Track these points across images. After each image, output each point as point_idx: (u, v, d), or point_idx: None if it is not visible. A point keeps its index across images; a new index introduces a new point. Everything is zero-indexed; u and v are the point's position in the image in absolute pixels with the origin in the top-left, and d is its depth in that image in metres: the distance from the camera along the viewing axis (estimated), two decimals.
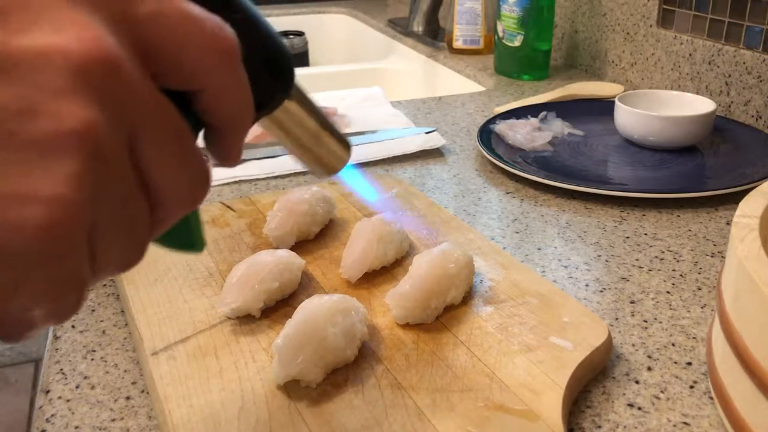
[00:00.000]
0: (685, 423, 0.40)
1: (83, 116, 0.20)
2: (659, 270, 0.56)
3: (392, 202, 0.50)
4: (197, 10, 0.23)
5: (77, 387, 0.43)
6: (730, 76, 0.87)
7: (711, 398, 0.42)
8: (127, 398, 0.42)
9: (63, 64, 0.20)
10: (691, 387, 0.43)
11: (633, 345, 0.46)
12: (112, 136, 0.21)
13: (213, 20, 0.24)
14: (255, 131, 0.84)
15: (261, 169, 0.75)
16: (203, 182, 0.25)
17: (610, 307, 0.51)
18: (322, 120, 0.35)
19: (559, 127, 0.84)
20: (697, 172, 0.73)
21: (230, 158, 0.28)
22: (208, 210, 0.62)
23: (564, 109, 0.89)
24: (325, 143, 0.35)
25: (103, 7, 0.21)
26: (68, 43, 0.20)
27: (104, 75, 0.20)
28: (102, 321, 0.50)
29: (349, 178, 0.43)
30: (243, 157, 0.77)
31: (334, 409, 0.39)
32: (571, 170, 0.73)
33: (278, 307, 0.48)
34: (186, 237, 0.29)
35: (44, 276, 0.20)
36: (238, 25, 0.26)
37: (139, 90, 0.21)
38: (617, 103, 0.79)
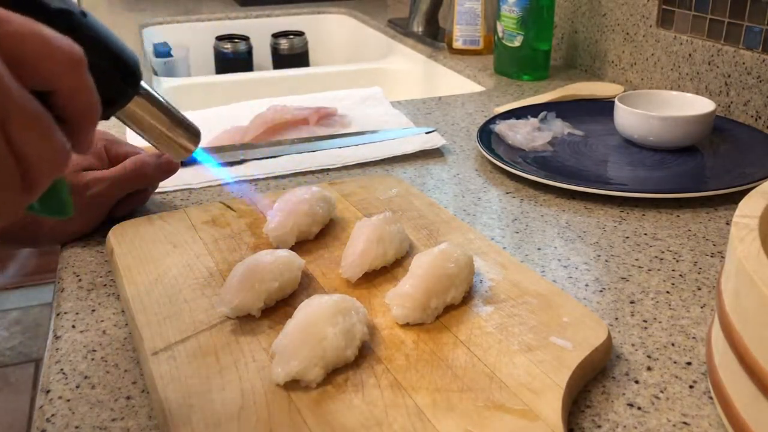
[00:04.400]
0: (685, 423, 0.40)
1: None
2: (659, 270, 0.56)
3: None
4: (49, 30, 0.30)
5: (77, 387, 0.43)
6: (729, 76, 0.87)
7: (711, 398, 0.42)
8: (128, 398, 0.42)
9: None
10: (691, 387, 0.43)
11: (633, 345, 0.47)
12: None
13: (62, 37, 0.31)
14: (256, 131, 0.84)
15: (261, 169, 0.75)
16: (63, 153, 0.31)
17: (610, 307, 0.51)
18: (170, 113, 0.45)
19: (559, 127, 0.84)
20: (697, 172, 0.73)
21: (81, 147, 0.34)
22: (208, 210, 0.62)
23: (564, 109, 0.89)
24: (175, 131, 0.45)
25: None
26: None
27: None
28: (102, 321, 0.50)
29: (201, 159, 0.55)
30: (243, 157, 0.78)
31: (334, 409, 0.39)
32: (571, 170, 0.73)
33: (278, 307, 0.48)
34: (57, 204, 0.34)
35: None
36: (88, 40, 0.35)
37: (7, 87, 0.28)
38: (617, 103, 0.79)
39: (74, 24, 0.37)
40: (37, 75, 0.30)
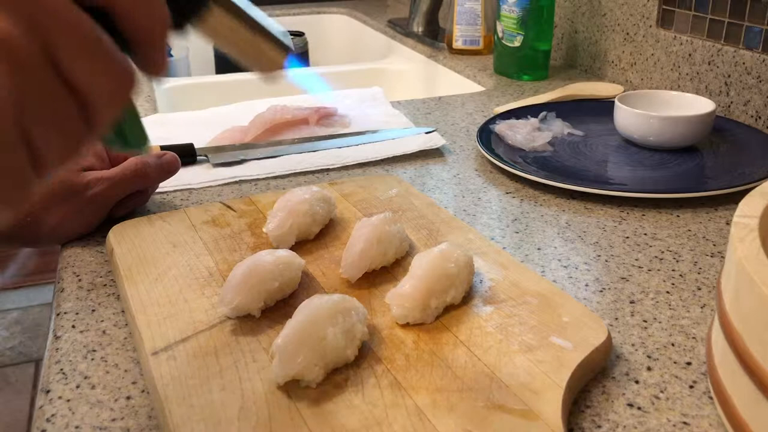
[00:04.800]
0: (685, 423, 0.40)
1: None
2: (659, 270, 0.56)
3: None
4: None
5: (77, 387, 0.43)
6: (729, 76, 0.87)
7: (711, 398, 0.42)
8: (128, 398, 0.42)
9: None
10: (691, 387, 0.43)
11: (633, 345, 0.47)
12: (29, 45, 0.24)
13: None
14: (256, 131, 0.84)
15: (261, 169, 0.75)
16: (125, 81, 0.27)
17: (610, 307, 0.51)
18: (254, 24, 0.38)
19: (559, 127, 0.84)
20: (697, 172, 0.73)
21: (152, 68, 0.30)
22: (208, 210, 0.62)
23: (564, 109, 0.89)
24: (261, 45, 0.39)
25: None
26: None
27: None
28: (102, 321, 0.50)
29: (294, 75, 0.48)
30: (243, 157, 0.78)
31: (334, 409, 0.39)
32: (571, 170, 0.73)
33: (278, 307, 0.48)
34: (131, 136, 0.32)
35: None
36: None
37: (53, 4, 0.24)
38: (617, 103, 0.79)
39: None
40: None
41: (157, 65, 0.30)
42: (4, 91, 0.23)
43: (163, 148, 0.72)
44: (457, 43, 1.26)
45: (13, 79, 0.23)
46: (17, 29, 0.23)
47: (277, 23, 0.40)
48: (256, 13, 0.39)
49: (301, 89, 0.61)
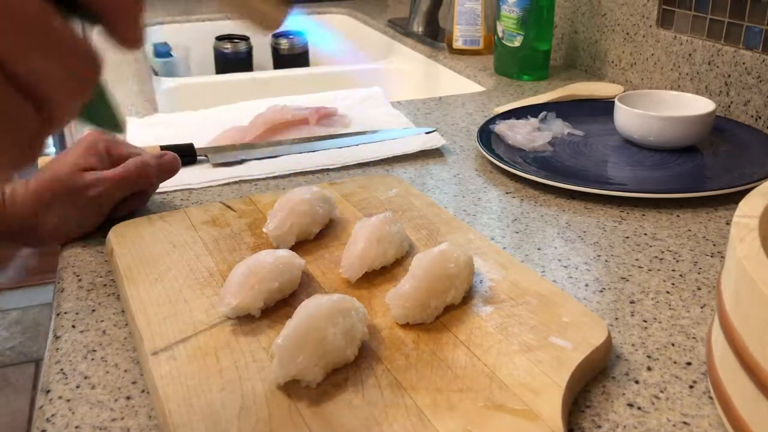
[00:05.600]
0: (685, 423, 0.40)
1: None
2: (659, 270, 0.56)
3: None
4: None
5: (77, 387, 0.43)
6: (729, 76, 0.87)
7: (711, 398, 0.42)
8: (128, 398, 0.42)
9: None
10: (691, 387, 0.43)
11: (633, 345, 0.47)
12: None
13: None
14: (256, 131, 0.84)
15: (261, 169, 0.75)
16: (86, 67, 0.23)
17: (610, 307, 0.51)
18: None
19: (559, 127, 0.84)
20: (697, 172, 0.73)
21: (126, 41, 0.25)
22: (208, 210, 0.62)
23: (564, 109, 0.89)
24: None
25: None
26: None
27: None
28: (102, 321, 0.50)
29: (295, 26, 0.43)
30: (243, 157, 0.78)
31: (334, 409, 0.39)
32: (571, 170, 0.73)
33: (278, 307, 0.48)
34: (103, 116, 0.28)
35: None
36: None
37: None
38: (617, 103, 0.79)
39: None
40: None
41: (132, 37, 0.26)
42: None
43: (163, 148, 0.72)
44: (457, 43, 1.26)
45: None
46: None
47: None
48: None
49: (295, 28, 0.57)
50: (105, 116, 0.28)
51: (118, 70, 1.17)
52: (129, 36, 0.25)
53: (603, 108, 0.89)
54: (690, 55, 0.93)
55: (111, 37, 0.25)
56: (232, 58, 1.54)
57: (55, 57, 0.22)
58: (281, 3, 0.36)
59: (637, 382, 0.43)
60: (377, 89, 1.02)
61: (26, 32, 0.21)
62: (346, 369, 0.42)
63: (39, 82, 0.22)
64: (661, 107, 0.80)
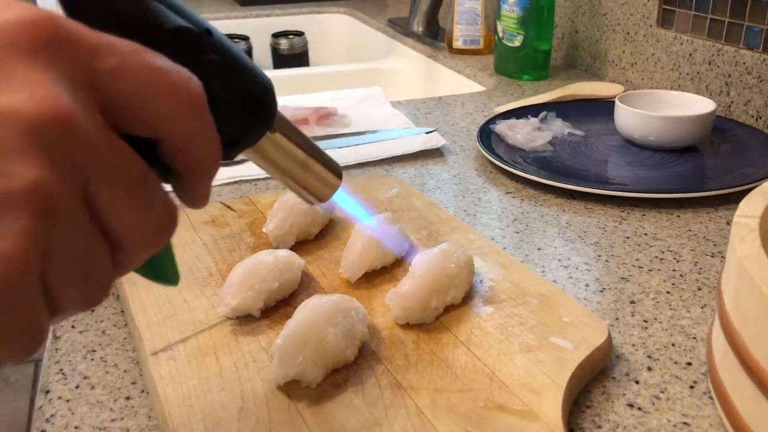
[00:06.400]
0: (685, 423, 0.40)
1: (33, 175, 0.20)
2: (659, 270, 0.56)
3: (386, 222, 0.51)
4: (161, 62, 0.24)
5: (77, 387, 0.43)
6: (730, 76, 0.87)
7: (711, 398, 0.42)
8: (127, 398, 0.42)
9: (15, 123, 0.20)
10: (691, 387, 0.43)
11: (633, 345, 0.46)
12: (65, 192, 0.21)
13: (176, 70, 0.24)
14: None
15: (261, 169, 0.75)
16: (167, 225, 0.25)
17: (610, 307, 0.51)
18: (309, 149, 0.35)
19: (559, 127, 0.84)
20: (697, 172, 0.73)
21: (197, 201, 0.28)
22: (208, 210, 0.62)
23: (564, 109, 0.89)
24: (313, 171, 0.35)
25: (65, 63, 0.22)
26: (20, 103, 0.21)
27: (56, 133, 0.21)
28: (102, 321, 0.50)
29: (342, 202, 0.44)
30: (243, 157, 0.77)
31: (334, 409, 0.39)
32: (571, 170, 0.73)
33: (278, 307, 0.48)
34: (160, 271, 0.29)
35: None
36: (211, 66, 0.28)
37: (94, 143, 0.22)
38: (617, 103, 0.79)
39: (195, 48, 0.28)
40: (142, 120, 0.24)
41: (200, 198, 0.28)
42: (32, 248, 0.20)
43: None
44: (458, 43, 1.26)
45: (42, 233, 0.21)
46: (53, 175, 0.21)
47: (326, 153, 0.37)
48: (308, 139, 0.35)
49: (346, 213, 0.57)
50: (166, 270, 0.29)
51: None
52: (202, 195, 0.27)
53: (603, 108, 0.89)
54: (690, 54, 0.93)
55: (181, 192, 0.27)
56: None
57: (143, 205, 0.24)
58: (334, 179, 0.37)
59: (637, 382, 0.43)
60: (377, 89, 1.02)
61: (122, 179, 0.23)
62: (346, 369, 0.41)
63: (123, 227, 0.23)
64: (662, 107, 0.80)
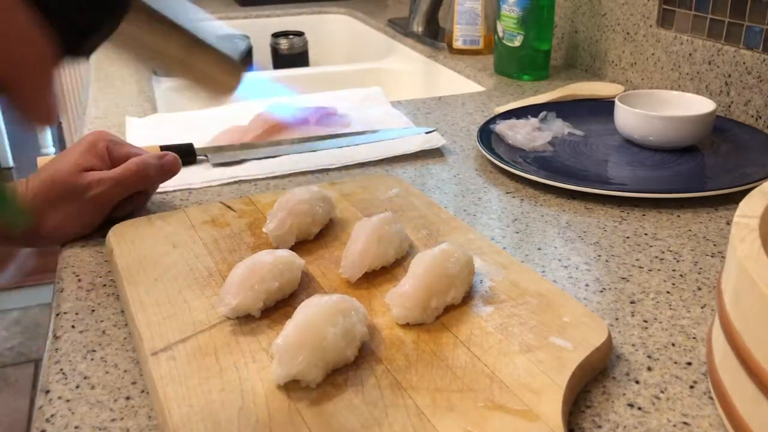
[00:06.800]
0: (685, 423, 0.40)
1: None
2: (659, 270, 0.56)
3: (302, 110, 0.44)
4: None
5: (77, 387, 0.43)
6: (730, 76, 0.87)
7: (711, 398, 0.42)
8: (127, 398, 0.42)
9: None
10: (691, 387, 0.43)
11: (633, 345, 0.46)
12: None
13: None
14: (256, 131, 0.84)
15: (261, 169, 0.75)
16: None
17: (610, 307, 0.51)
18: (191, 32, 0.31)
19: (559, 127, 0.84)
20: (697, 172, 0.73)
21: (36, 116, 0.24)
22: (208, 210, 0.62)
23: (564, 109, 0.89)
24: (202, 55, 0.31)
25: None
26: None
27: None
28: (102, 321, 0.50)
29: (251, 91, 0.39)
30: (243, 157, 0.77)
31: (334, 409, 0.39)
32: (571, 170, 0.73)
33: (278, 307, 0.48)
34: (7, 209, 0.27)
35: None
36: None
37: None
38: (617, 103, 0.79)
39: None
40: None
41: (40, 113, 0.24)
42: None
43: (163, 148, 0.72)
44: (457, 43, 1.26)
45: None
46: None
47: (223, 29, 0.32)
48: (192, 23, 0.31)
49: (260, 98, 0.51)
50: (7, 213, 0.28)
51: (118, 70, 1.17)
52: (38, 111, 0.24)
53: (603, 108, 0.89)
54: (690, 54, 0.93)
55: (18, 108, 0.24)
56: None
57: None
58: (235, 69, 0.33)
59: (637, 382, 0.43)
60: (377, 89, 1.02)
61: None
62: (346, 369, 0.41)
63: None
64: (662, 107, 0.80)
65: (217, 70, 0.32)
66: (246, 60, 0.33)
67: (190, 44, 0.30)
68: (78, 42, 0.26)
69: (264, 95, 0.41)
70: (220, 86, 0.33)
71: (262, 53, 1.60)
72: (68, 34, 0.24)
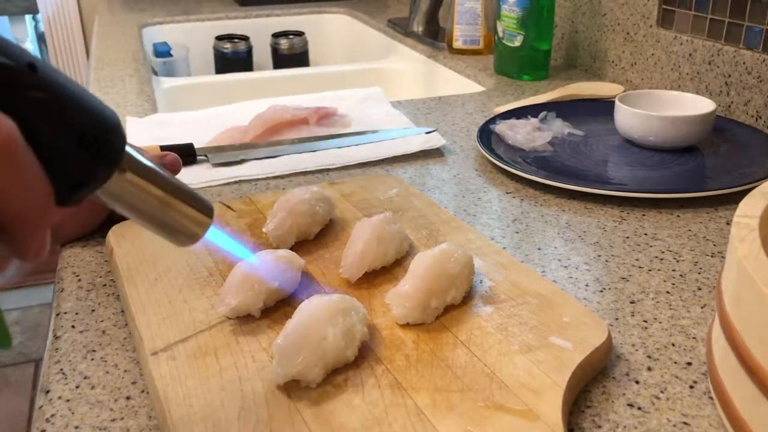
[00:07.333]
0: (685, 423, 0.40)
1: None
2: (659, 270, 0.56)
3: (269, 258, 0.48)
4: None
5: (77, 387, 0.43)
6: (730, 76, 0.87)
7: (711, 398, 0.42)
8: (127, 398, 0.42)
9: None
10: (691, 387, 0.43)
11: (633, 345, 0.46)
12: None
13: None
14: (256, 131, 0.84)
15: (261, 169, 0.75)
16: None
17: (610, 307, 0.51)
18: (169, 186, 0.33)
19: (559, 127, 0.84)
20: (697, 172, 0.73)
21: (28, 254, 0.26)
22: None
23: (564, 109, 0.89)
24: (176, 211, 0.33)
25: None
26: None
27: None
28: (102, 321, 0.50)
29: (216, 241, 0.42)
30: (243, 157, 0.77)
31: (334, 409, 0.39)
32: (571, 170, 0.73)
33: (278, 307, 0.48)
34: None
35: None
36: (37, 105, 0.26)
37: None
38: (617, 103, 0.79)
39: (12, 87, 0.26)
40: None
41: (33, 252, 0.25)
42: None
43: (163, 148, 0.72)
44: (458, 43, 1.26)
45: None
46: None
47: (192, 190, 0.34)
48: (168, 175, 0.33)
49: (223, 251, 0.53)
50: None
51: (118, 70, 1.17)
52: (33, 248, 0.25)
53: (603, 108, 0.89)
54: (690, 54, 0.93)
55: (9, 246, 0.25)
56: (232, 58, 1.54)
57: None
58: (202, 217, 0.34)
59: (637, 382, 0.43)
60: (377, 89, 1.02)
61: None
62: (346, 369, 0.41)
63: None
64: (662, 107, 0.80)
65: (188, 222, 0.34)
66: (212, 212, 0.35)
67: (166, 196, 0.33)
68: (68, 194, 0.28)
69: (224, 247, 0.44)
70: (187, 237, 0.34)
71: (262, 53, 1.60)
72: (61, 186, 0.26)
